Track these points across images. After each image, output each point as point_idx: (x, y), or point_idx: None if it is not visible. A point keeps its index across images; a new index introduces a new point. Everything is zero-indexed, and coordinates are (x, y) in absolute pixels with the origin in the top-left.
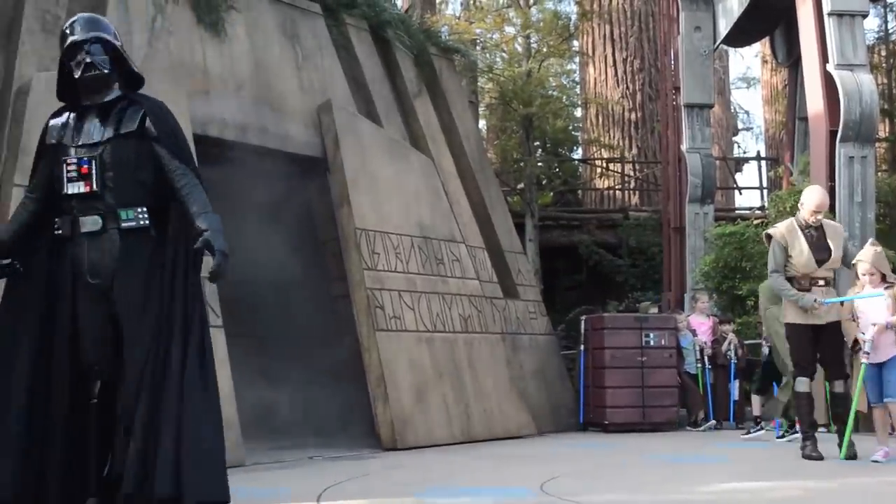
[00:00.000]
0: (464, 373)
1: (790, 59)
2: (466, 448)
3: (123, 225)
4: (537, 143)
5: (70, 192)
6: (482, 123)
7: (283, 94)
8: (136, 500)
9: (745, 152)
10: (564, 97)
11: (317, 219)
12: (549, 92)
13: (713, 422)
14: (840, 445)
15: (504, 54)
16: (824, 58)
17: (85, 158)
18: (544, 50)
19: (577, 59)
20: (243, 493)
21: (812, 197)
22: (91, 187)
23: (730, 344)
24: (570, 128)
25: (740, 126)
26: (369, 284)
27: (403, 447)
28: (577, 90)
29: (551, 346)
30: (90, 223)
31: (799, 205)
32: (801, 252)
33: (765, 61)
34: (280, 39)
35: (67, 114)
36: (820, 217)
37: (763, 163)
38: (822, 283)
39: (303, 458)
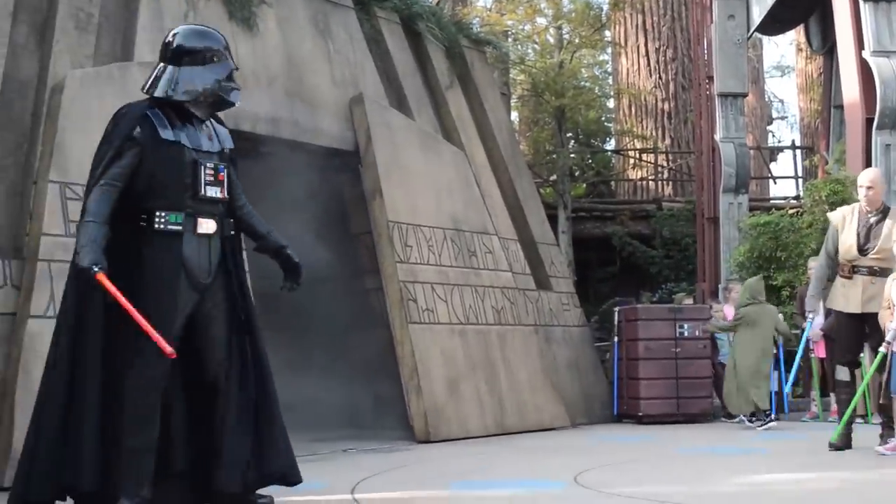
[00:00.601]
0: (497, 365)
1: (825, 46)
2: (500, 440)
3: (231, 232)
4: (570, 134)
5: (208, 194)
6: (514, 115)
7: (315, 88)
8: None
9: (779, 141)
10: (597, 88)
11: (349, 212)
12: (582, 83)
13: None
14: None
15: (536, 45)
16: (860, 45)
17: (221, 166)
18: (576, 41)
19: (609, 50)
20: (277, 485)
21: (861, 174)
22: (224, 194)
23: None
24: (603, 119)
25: (775, 115)
26: (402, 277)
27: (437, 439)
28: (610, 81)
29: (585, 337)
30: (207, 226)
31: None
32: (847, 238)
33: (799, 49)
34: (312, 33)
35: (157, 111)
36: (866, 193)
37: (798, 152)
38: (864, 271)
39: (336, 450)
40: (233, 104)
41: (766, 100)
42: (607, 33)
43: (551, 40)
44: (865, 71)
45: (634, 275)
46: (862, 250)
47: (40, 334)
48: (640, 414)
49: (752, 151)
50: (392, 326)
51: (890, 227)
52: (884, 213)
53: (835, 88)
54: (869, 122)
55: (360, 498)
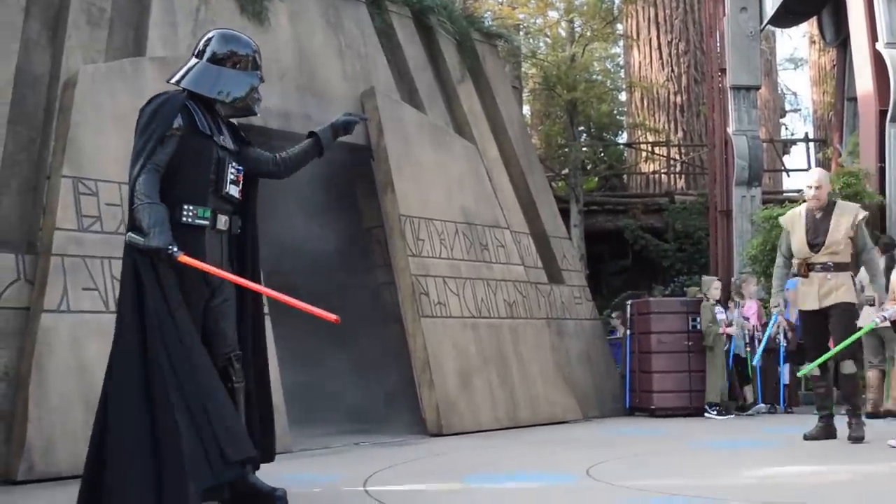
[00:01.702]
0: (509, 358)
1: (838, 38)
2: (512, 433)
3: (238, 230)
4: (582, 127)
5: (230, 193)
6: (526, 109)
7: (327, 82)
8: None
9: (792, 134)
10: (609, 81)
11: (361, 206)
12: (594, 76)
13: (761, 405)
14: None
15: (548, 39)
16: (873, 37)
17: (240, 167)
18: (588, 34)
19: (621, 43)
20: (290, 479)
21: (809, 174)
22: (241, 194)
23: (779, 327)
24: (615, 112)
25: (788, 107)
26: (414, 271)
27: (449, 433)
28: (622, 74)
29: (597, 331)
30: (224, 222)
31: None
32: (797, 237)
33: (812, 41)
34: (323, 27)
35: (193, 104)
36: (813, 193)
37: (811, 144)
38: (819, 268)
39: (349, 444)
40: (255, 114)
41: (779, 92)
42: (619, 26)
43: (563, 34)
44: (879, 63)
45: (647, 268)
46: (812, 246)
47: (54, 329)
48: (653, 407)
49: (764, 144)
50: (404, 320)
51: (837, 221)
52: (828, 208)
53: (848, 81)
54: (882, 113)
55: (372, 491)
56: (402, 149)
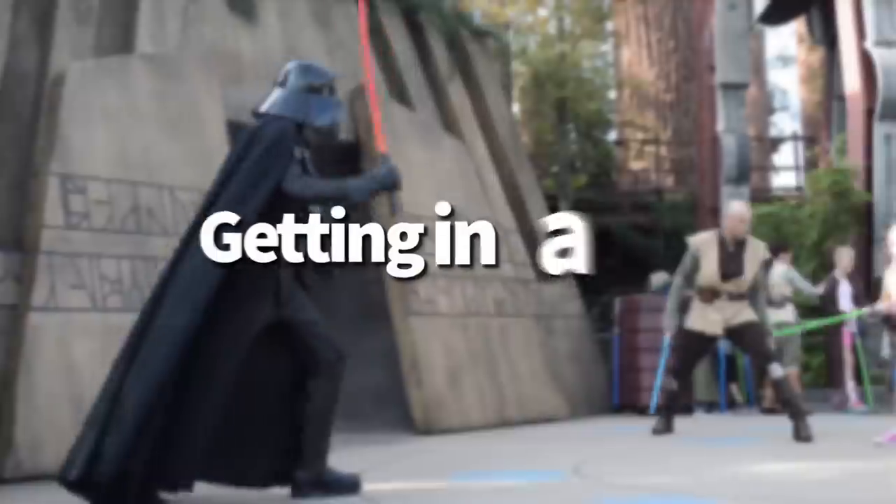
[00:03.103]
0: (497, 356)
1: (827, 37)
2: (500, 431)
3: None
4: (571, 125)
5: None
6: (515, 107)
7: None
8: None
9: (781, 132)
10: (598, 79)
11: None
12: (583, 74)
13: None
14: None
15: (537, 37)
16: (861, 35)
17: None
18: (578, 32)
19: (610, 41)
20: None
21: (732, 208)
22: None
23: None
24: (605, 110)
25: (776, 106)
26: None
27: (437, 431)
28: (611, 72)
29: (585, 328)
30: None
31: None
32: (709, 265)
33: (801, 40)
34: (312, 25)
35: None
36: (742, 228)
37: (799, 142)
38: (725, 297)
39: (337, 442)
40: (336, 139)
41: (768, 90)
42: (609, 24)
43: (553, 31)
44: (867, 61)
45: (635, 266)
46: (723, 277)
47: (41, 327)
48: (641, 405)
49: (753, 142)
50: (393, 318)
51: (751, 258)
52: (742, 242)
53: (836, 79)
54: (870, 112)
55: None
56: (390, 147)
